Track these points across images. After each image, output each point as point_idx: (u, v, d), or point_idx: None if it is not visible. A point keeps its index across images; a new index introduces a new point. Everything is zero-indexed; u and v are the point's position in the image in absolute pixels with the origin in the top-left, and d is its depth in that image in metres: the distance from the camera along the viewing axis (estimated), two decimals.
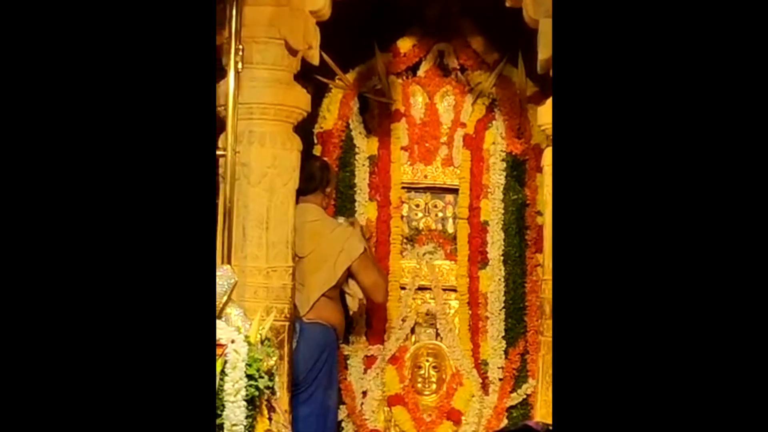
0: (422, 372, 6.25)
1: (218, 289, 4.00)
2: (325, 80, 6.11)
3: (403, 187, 6.35)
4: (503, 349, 6.21)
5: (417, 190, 6.40)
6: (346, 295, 5.89)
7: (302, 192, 5.53)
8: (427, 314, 6.34)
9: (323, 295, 5.65)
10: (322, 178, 5.79)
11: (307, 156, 5.53)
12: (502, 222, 6.25)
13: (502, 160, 6.26)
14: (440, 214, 6.41)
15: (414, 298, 6.32)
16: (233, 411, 3.79)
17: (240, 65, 4.66)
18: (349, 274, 5.75)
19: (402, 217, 6.36)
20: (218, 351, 3.79)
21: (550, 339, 4.96)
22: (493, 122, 6.31)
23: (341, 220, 6.00)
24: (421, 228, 6.39)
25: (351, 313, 6.02)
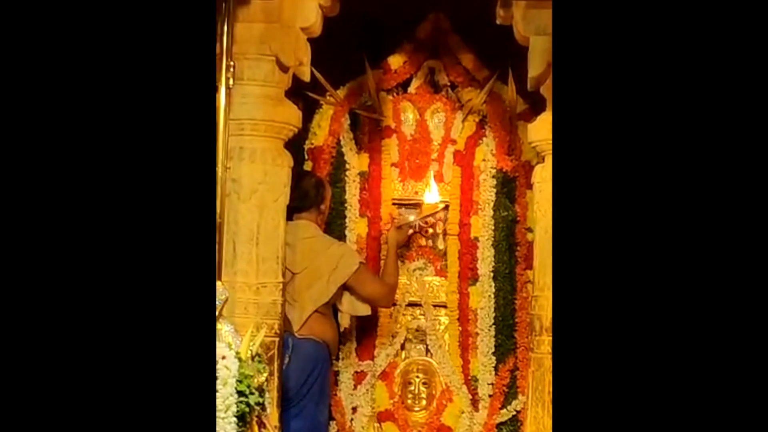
0: (412, 388, 6.24)
1: None
2: (316, 96, 6.13)
3: (393, 203, 6.35)
4: (493, 365, 6.20)
5: (407, 206, 6.40)
6: (339, 312, 5.89)
7: (297, 209, 5.55)
8: (417, 330, 6.34)
9: (316, 311, 5.66)
10: (316, 195, 5.81)
11: (299, 172, 5.53)
12: (492, 238, 6.25)
13: (493, 176, 6.27)
14: (430, 231, 6.41)
15: (404, 314, 6.32)
16: (223, 427, 3.79)
17: (231, 81, 4.66)
18: (345, 289, 5.76)
19: None
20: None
21: (540, 355, 4.97)
22: (484, 139, 6.32)
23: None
24: (411, 244, 6.39)
25: (342, 329, 6.02)
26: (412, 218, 6.18)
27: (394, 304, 6.22)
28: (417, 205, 6.40)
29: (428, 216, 6.24)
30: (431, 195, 6.28)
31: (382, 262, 6.17)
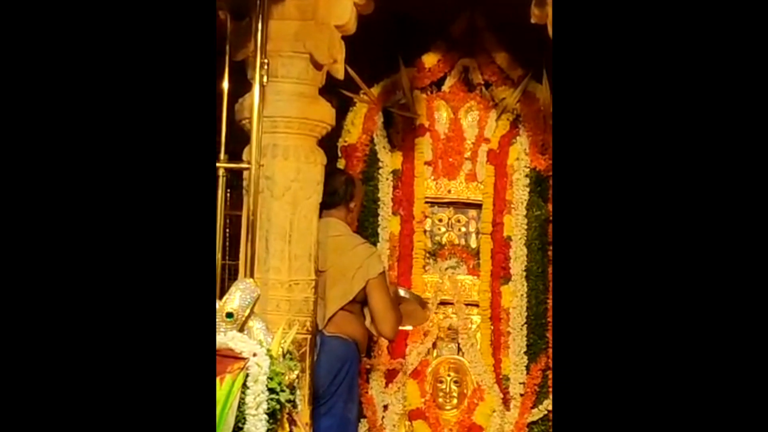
0: (443, 386, 6.25)
1: (241, 303, 4.01)
2: (349, 94, 6.13)
3: (426, 202, 6.36)
4: (525, 364, 6.20)
5: (440, 204, 6.41)
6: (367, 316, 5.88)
7: (326, 206, 5.52)
8: (449, 329, 6.34)
9: (343, 309, 5.63)
10: (345, 193, 5.77)
11: (330, 170, 5.53)
12: (524, 237, 6.25)
13: (526, 175, 6.26)
14: (463, 229, 6.41)
15: (436, 313, 6.32)
16: (254, 424, 3.79)
17: (265, 79, 4.68)
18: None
19: (425, 231, 6.36)
20: (240, 364, 3.79)
21: None
22: (517, 138, 6.32)
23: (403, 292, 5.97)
24: (443, 243, 6.39)
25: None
26: (402, 293, 6.03)
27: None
28: (450, 204, 6.39)
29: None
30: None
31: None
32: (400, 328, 5.79)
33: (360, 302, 5.68)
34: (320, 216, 5.30)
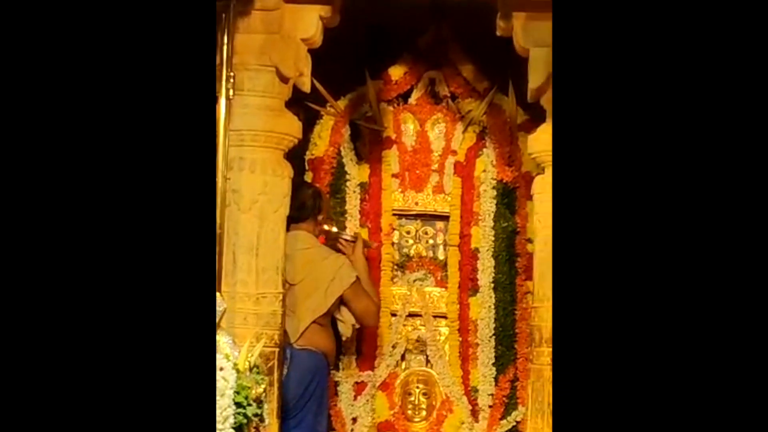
0: (412, 399, 6.24)
1: None
2: (316, 107, 6.13)
3: (393, 214, 6.36)
4: (493, 376, 6.21)
5: (408, 217, 6.41)
6: (338, 322, 5.89)
7: (294, 219, 5.54)
8: (417, 341, 6.34)
9: (314, 322, 5.65)
10: (314, 206, 5.80)
11: (297, 183, 5.54)
12: (492, 249, 6.25)
13: (493, 187, 6.27)
14: (431, 241, 6.42)
15: (404, 325, 6.32)
16: None
17: (231, 92, 4.67)
18: (341, 301, 5.76)
19: (393, 243, 6.36)
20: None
21: (540, 366, 4.98)
22: (484, 150, 6.33)
23: (347, 234, 6.01)
24: (411, 255, 6.39)
25: (344, 339, 6.02)
26: (335, 230, 6.11)
27: (394, 318, 6.21)
28: (418, 216, 6.40)
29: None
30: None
31: None
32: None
33: (329, 314, 5.70)
34: (288, 229, 5.30)
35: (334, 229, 6.02)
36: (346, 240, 5.98)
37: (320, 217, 5.85)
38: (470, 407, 6.21)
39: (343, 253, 5.88)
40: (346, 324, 5.92)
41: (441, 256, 6.39)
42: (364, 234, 6.27)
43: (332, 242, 5.94)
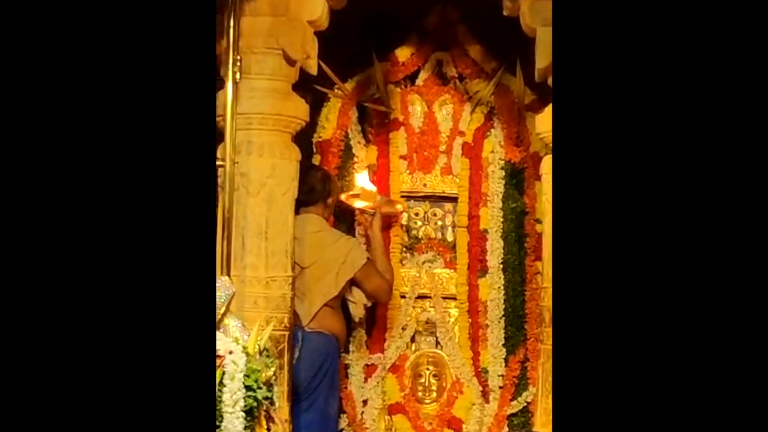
0: (423, 380, 6.25)
1: (216, 300, 4.00)
2: (323, 90, 6.12)
3: (402, 196, 6.34)
4: (503, 357, 6.20)
5: (416, 198, 6.40)
6: (350, 304, 5.90)
7: (304, 203, 5.55)
8: (427, 323, 6.34)
9: (325, 304, 5.67)
10: (323, 189, 5.82)
11: (307, 166, 5.54)
12: (501, 230, 6.25)
13: (501, 168, 6.27)
14: (439, 223, 6.41)
15: (414, 307, 6.32)
16: (231, 422, 3.79)
17: (238, 75, 4.68)
18: (352, 283, 5.77)
19: (401, 225, 6.36)
20: (216, 362, 3.79)
21: (550, 347, 4.97)
22: (492, 130, 6.32)
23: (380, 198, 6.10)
24: (420, 236, 6.39)
25: (357, 320, 6.03)
26: (359, 204, 6.16)
27: (403, 300, 6.23)
28: (426, 198, 6.40)
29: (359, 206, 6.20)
30: (363, 179, 6.25)
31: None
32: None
33: (340, 297, 5.72)
34: (298, 213, 5.31)
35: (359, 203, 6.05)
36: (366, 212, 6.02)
37: (329, 200, 5.86)
38: (480, 388, 6.21)
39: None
40: (358, 305, 5.93)
41: (450, 238, 6.39)
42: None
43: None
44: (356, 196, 6.15)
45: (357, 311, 5.96)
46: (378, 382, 6.22)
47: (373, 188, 6.16)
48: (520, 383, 6.19)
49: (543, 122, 5.06)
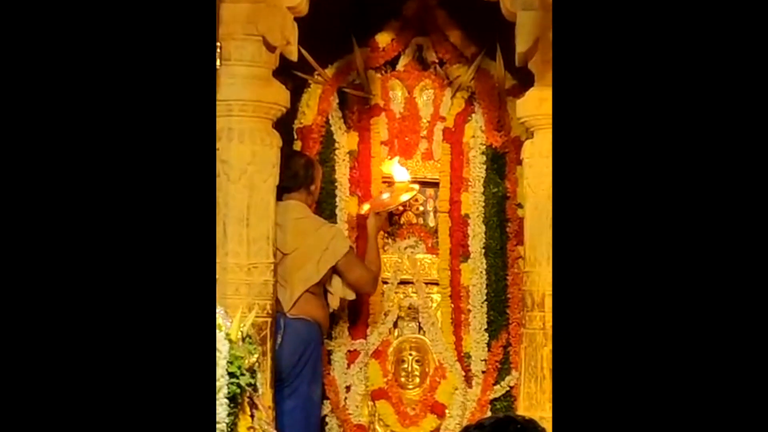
0: (405, 366, 6.25)
1: None
2: (303, 76, 6.11)
3: (383, 182, 6.34)
4: (486, 341, 6.21)
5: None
6: (328, 294, 5.89)
7: (286, 189, 5.55)
8: (409, 308, 6.34)
9: (307, 291, 5.67)
10: (306, 176, 5.81)
11: (289, 152, 5.53)
12: (482, 215, 6.25)
13: (482, 153, 6.26)
14: (421, 208, 6.41)
15: (396, 292, 6.31)
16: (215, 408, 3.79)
17: (218, 62, 4.66)
18: (333, 271, 5.77)
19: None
20: None
21: (532, 331, 5.01)
22: (473, 115, 6.31)
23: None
24: (402, 222, 6.38)
25: (331, 310, 6.02)
26: (385, 196, 6.16)
27: (386, 286, 6.23)
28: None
29: (404, 199, 6.21)
30: (400, 173, 6.25)
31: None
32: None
33: (321, 284, 5.71)
34: (281, 199, 5.30)
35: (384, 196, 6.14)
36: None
37: (312, 187, 5.85)
38: (463, 373, 6.21)
39: None
40: (334, 296, 5.92)
41: (431, 223, 6.39)
42: (354, 202, 6.27)
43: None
44: (393, 189, 6.16)
45: (332, 302, 5.94)
46: (361, 368, 6.22)
47: (406, 177, 6.18)
48: (503, 368, 6.20)
49: (524, 107, 5.06)
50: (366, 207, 6.13)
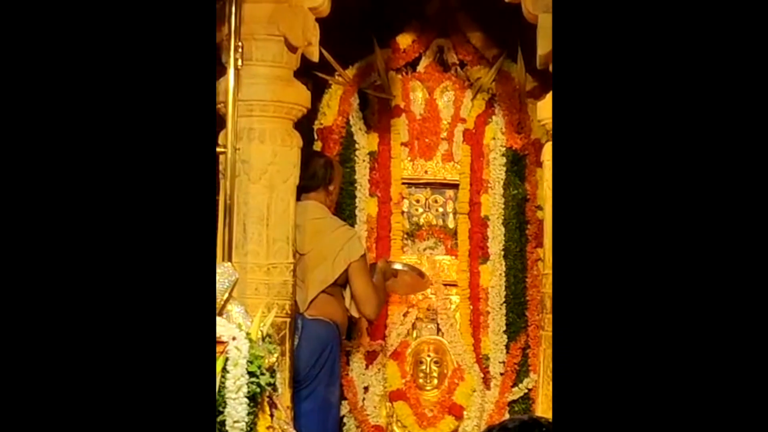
0: (424, 367, 6.26)
1: (219, 287, 4.01)
2: (324, 77, 6.12)
3: (403, 183, 6.35)
4: (504, 343, 6.22)
5: (417, 185, 6.41)
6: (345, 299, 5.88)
7: (305, 189, 5.55)
8: (428, 309, 6.35)
9: (324, 291, 5.65)
10: (325, 176, 5.79)
11: (309, 153, 5.54)
12: (502, 217, 6.26)
13: (502, 155, 6.27)
14: (441, 210, 6.42)
15: (415, 294, 6.33)
16: (235, 408, 3.80)
17: (240, 62, 4.67)
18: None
19: (402, 212, 6.36)
20: (219, 348, 3.80)
21: (551, 333, 4.98)
22: (493, 117, 6.32)
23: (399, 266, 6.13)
24: (421, 223, 6.39)
25: (349, 315, 6.02)
26: (399, 266, 6.14)
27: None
28: (427, 184, 6.40)
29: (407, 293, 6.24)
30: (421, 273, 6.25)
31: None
32: (407, 293, 6.14)
33: (340, 285, 5.70)
34: (299, 199, 5.31)
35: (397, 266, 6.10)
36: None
37: (331, 187, 5.84)
38: (482, 375, 6.22)
39: None
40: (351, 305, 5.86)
41: (451, 225, 6.39)
42: (374, 203, 6.28)
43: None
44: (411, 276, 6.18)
45: (352, 308, 5.86)
46: (379, 369, 6.23)
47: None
48: (521, 370, 6.20)
49: (544, 109, 5.06)
50: (380, 263, 6.07)
